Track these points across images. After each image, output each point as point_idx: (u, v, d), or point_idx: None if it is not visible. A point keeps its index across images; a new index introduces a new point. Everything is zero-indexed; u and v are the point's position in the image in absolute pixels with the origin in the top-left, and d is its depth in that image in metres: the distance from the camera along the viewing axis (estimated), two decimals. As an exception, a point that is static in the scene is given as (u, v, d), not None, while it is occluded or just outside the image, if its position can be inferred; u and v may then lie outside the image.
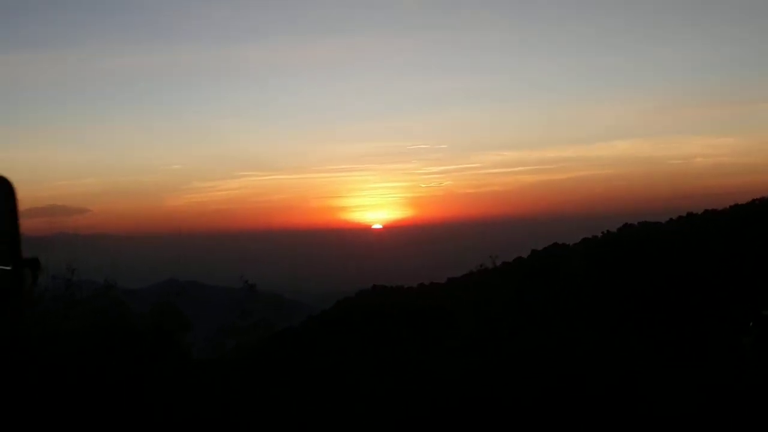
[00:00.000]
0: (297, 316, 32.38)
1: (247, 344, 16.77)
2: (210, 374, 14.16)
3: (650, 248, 24.88)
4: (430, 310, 25.13)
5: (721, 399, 11.89)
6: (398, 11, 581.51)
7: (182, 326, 14.92)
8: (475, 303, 24.41)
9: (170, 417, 11.09)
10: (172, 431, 10.77)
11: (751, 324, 21.10)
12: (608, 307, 19.63)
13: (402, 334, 22.91)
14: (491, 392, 13.43)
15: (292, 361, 19.91)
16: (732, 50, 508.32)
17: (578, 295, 21.73)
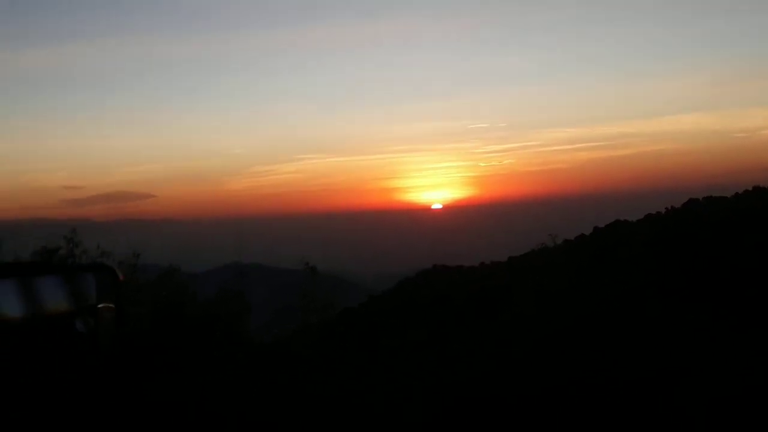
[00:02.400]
0: (358, 296, 32.51)
1: (311, 325, 16.93)
2: (273, 357, 14.34)
3: (716, 223, 24.34)
4: (492, 290, 25.02)
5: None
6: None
7: (244, 309, 15.11)
8: (536, 282, 24.24)
9: (236, 402, 11.25)
10: (235, 415, 10.93)
11: None
12: (672, 284, 19.29)
13: (464, 315, 22.88)
14: (557, 372, 13.35)
15: (356, 341, 20.03)
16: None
17: (642, 272, 21.40)
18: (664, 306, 17.15)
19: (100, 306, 2.72)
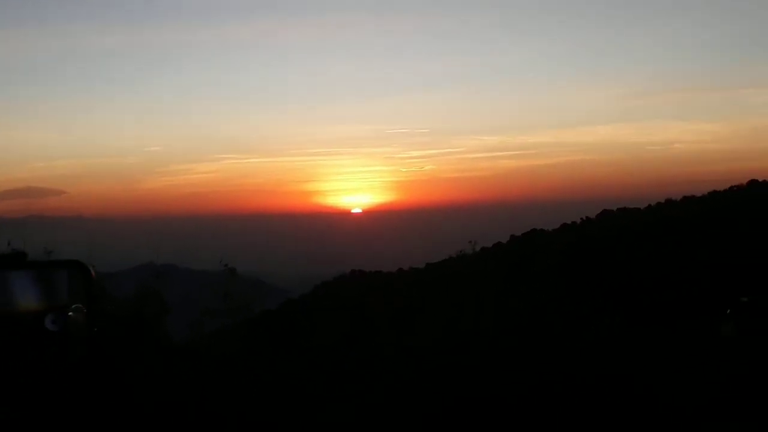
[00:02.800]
0: (276, 299, 32.30)
1: (227, 327, 16.73)
2: (191, 358, 14.14)
3: (628, 236, 25.05)
4: (407, 297, 25.16)
5: (702, 387, 12.01)
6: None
7: (163, 310, 14.84)
8: (450, 291, 24.47)
9: (153, 402, 11.08)
10: (155, 415, 10.76)
11: (728, 311, 21.17)
12: (585, 295, 19.72)
13: (377, 321, 22.95)
14: (472, 388, 13.48)
15: (273, 344, 19.91)
16: (713, 36, 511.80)
17: (556, 282, 21.81)
18: (576, 314, 17.52)
19: (72, 305, 2.67)
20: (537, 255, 26.11)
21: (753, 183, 34.17)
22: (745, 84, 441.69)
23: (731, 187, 29.30)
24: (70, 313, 2.66)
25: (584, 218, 29.56)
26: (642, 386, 12.12)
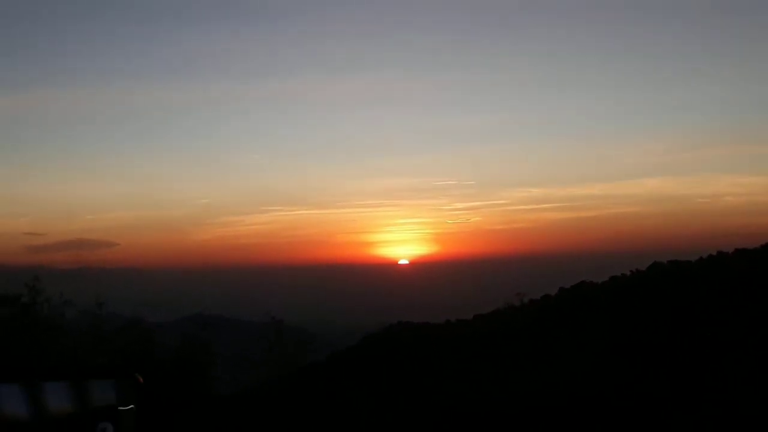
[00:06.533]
0: (323, 350, 32.30)
1: (273, 378, 16.80)
2: (235, 409, 14.21)
3: (679, 287, 24.64)
4: (455, 348, 25.02)
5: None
6: (426, 49, 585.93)
7: (209, 361, 14.98)
8: (500, 340, 24.30)
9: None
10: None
11: None
12: (634, 347, 19.45)
13: (426, 371, 22.82)
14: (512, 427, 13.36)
15: (316, 396, 19.90)
16: (760, 89, 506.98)
17: (604, 334, 21.56)
18: (624, 376, 17.28)
19: (120, 409, 2.78)
20: (584, 307, 25.82)
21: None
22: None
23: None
24: (119, 418, 2.77)
25: (633, 270, 29.26)
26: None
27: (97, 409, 2.77)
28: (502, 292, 34.26)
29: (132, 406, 2.82)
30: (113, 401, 2.80)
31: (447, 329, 31.15)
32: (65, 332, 14.72)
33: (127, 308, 15.56)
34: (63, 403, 2.75)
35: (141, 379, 2.92)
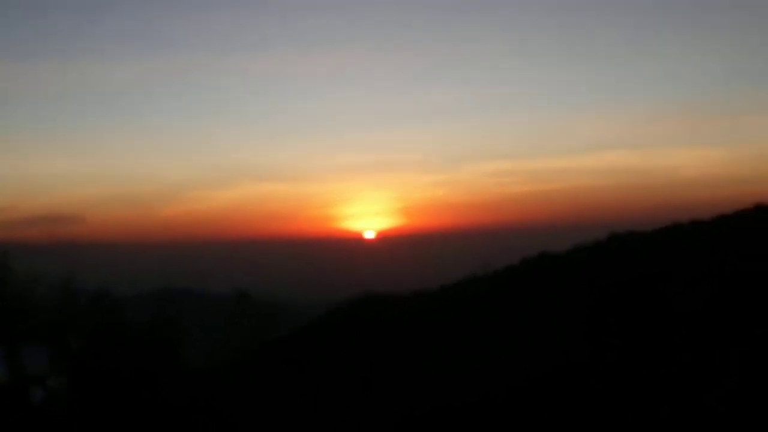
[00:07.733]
0: (289, 323, 32.57)
1: (241, 351, 17.05)
2: (205, 382, 14.47)
3: (637, 256, 25.22)
4: (420, 319, 25.44)
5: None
6: (396, 26, 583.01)
7: (178, 335, 15.23)
8: (465, 311, 24.73)
9: (169, 424, 11.41)
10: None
11: None
12: (595, 314, 19.96)
13: (392, 342, 23.21)
14: (481, 395, 13.73)
15: (286, 367, 20.20)
16: (719, 64, 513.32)
17: (567, 302, 22.06)
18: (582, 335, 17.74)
19: (52, 377, 2.98)
20: (547, 276, 26.37)
21: (759, 206, 34.28)
22: (750, 111, 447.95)
23: (737, 211, 29.67)
24: (50, 386, 2.95)
25: (593, 241, 29.84)
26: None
27: (29, 376, 2.98)
28: (467, 264, 34.76)
29: (64, 375, 3.04)
30: (46, 368, 3.00)
31: (412, 300, 31.56)
32: (35, 308, 14.88)
33: (96, 282, 15.78)
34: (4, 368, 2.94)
35: (74, 346, 3.16)
